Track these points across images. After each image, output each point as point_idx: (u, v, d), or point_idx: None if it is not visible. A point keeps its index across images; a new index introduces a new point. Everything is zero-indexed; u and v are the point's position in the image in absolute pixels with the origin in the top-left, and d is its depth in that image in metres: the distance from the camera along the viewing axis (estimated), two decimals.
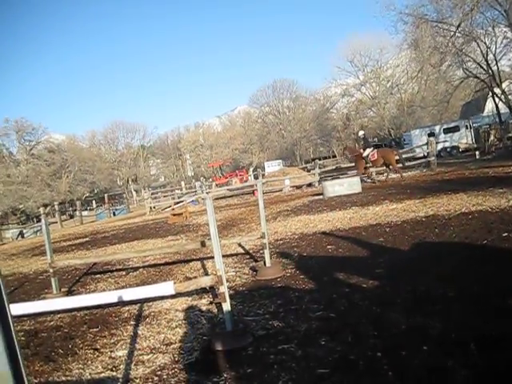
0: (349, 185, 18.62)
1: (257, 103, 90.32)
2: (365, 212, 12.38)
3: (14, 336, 1.58)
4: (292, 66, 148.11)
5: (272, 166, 58.40)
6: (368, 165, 22.19)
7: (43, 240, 16.13)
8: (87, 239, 19.47)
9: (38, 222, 45.61)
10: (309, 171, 34.68)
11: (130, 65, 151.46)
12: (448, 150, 38.86)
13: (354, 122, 78.88)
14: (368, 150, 22.08)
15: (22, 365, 1.60)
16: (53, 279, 8.22)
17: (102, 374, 4.46)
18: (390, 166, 22.30)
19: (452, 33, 34.07)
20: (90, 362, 4.84)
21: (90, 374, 4.53)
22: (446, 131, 39.78)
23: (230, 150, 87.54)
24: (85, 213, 45.84)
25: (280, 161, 66.03)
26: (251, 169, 53.69)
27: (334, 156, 74.54)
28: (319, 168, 29.80)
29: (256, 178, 36.53)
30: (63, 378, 4.53)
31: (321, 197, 19.16)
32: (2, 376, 1.54)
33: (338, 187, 18.62)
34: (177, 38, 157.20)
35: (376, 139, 72.20)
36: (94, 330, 6.00)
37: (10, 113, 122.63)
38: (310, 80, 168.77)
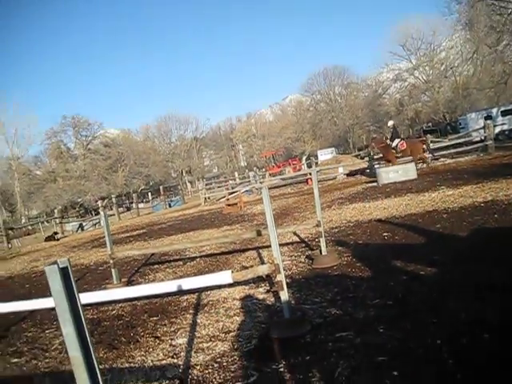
0: (404, 171, 18.36)
1: (308, 91, 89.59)
2: (421, 198, 12.20)
3: (84, 324, 1.67)
4: (342, 52, 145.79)
5: (325, 154, 57.96)
6: (398, 154, 21.84)
7: (102, 232, 16.55)
8: (144, 231, 19.84)
9: (96, 214, 46.66)
10: (362, 158, 34.27)
11: (182, 57, 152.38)
12: (506, 132, 37.60)
13: (407, 107, 77.37)
14: (397, 141, 21.96)
15: (91, 350, 1.68)
16: (113, 270, 8.44)
17: (164, 361, 4.58)
18: (418, 156, 22.07)
19: (510, 10, 32.95)
20: (151, 350, 4.97)
21: (151, 361, 4.66)
22: (504, 113, 38.46)
23: (283, 139, 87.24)
24: (141, 205, 46.58)
25: (333, 149, 65.48)
26: (304, 157, 53.39)
27: None
28: (373, 155, 29.43)
29: (309, 166, 36.37)
30: (126, 365, 4.67)
31: (375, 184, 18.98)
32: (76, 359, 1.62)
33: (392, 174, 18.38)
34: (227, 30, 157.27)
35: (430, 124, 70.75)
36: (155, 318, 6.15)
37: (68, 111, 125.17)
38: (361, 66, 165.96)
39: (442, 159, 23.01)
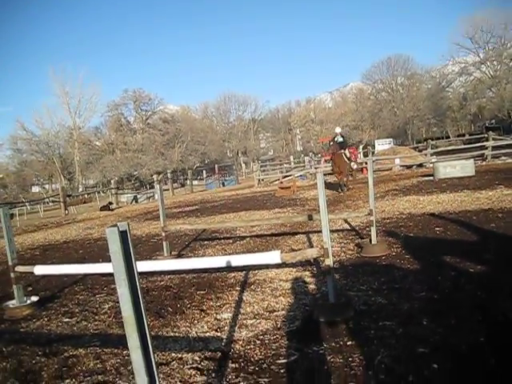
0: (461, 167, 18.03)
1: (370, 79, 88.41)
2: (477, 196, 11.98)
3: (138, 285, 1.75)
4: (407, 40, 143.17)
5: (382, 145, 57.12)
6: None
7: (155, 205, 16.84)
8: (197, 207, 20.13)
9: (150, 188, 47.40)
10: (420, 151, 33.71)
11: (243, 38, 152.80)
12: None
13: (470, 103, 75.50)
14: (347, 151, 19.26)
15: (143, 311, 1.77)
16: (164, 242, 8.62)
17: (207, 334, 4.69)
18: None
19: None
20: (196, 322, 5.09)
21: (196, 332, 4.78)
22: None
23: (341, 126, 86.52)
24: (195, 182, 47.18)
25: (391, 139, 64.41)
26: (361, 146, 52.93)
27: (448, 137, 71.95)
28: (431, 148, 28.93)
29: (365, 155, 36.03)
30: (171, 334, 4.81)
31: (431, 178, 18.71)
32: (129, 318, 1.71)
33: (449, 169, 18.07)
34: (291, 12, 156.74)
35: (493, 121, 68.94)
36: (201, 292, 6.28)
37: (130, 84, 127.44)
38: (425, 56, 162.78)
39: (503, 158, 22.42)
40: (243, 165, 78.49)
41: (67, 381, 3.99)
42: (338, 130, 19.81)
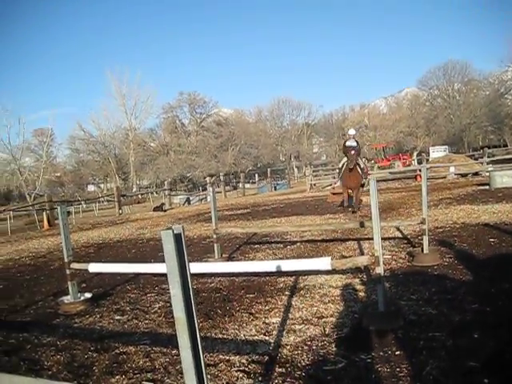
0: None
1: (426, 85, 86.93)
2: None
3: (191, 287, 1.80)
4: (465, 46, 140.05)
5: (437, 152, 56.09)
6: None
7: (207, 207, 16.97)
8: (248, 210, 20.22)
9: (203, 190, 47.91)
10: (476, 159, 33.03)
11: (297, 44, 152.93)
12: None
13: None
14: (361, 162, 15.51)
15: (194, 312, 1.81)
16: (216, 245, 8.69)
17: (256, 337, 4.72)
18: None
19: None
20: (245, 325, 5.13)
21: (244, 335, 4.81)
22: None
23: (395, 132, 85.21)
24: (247, 185, 47.36)
25: (446, 147, 63.11)
26: (415, 153, 52.15)
27: (505, 145, 70.14)
28: (488, 157, 28.30)
29: (420, 162, 35.52)
30: (220, 336, 4.86)
31: (487, 187, 18.28)
32: (180, 320, 1.76)
33: (506, 178, 17.62)
34: (348, 20, 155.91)
35: None
36: (251, 295, 6.32)
37: (185, 87, 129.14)
38: (484, 62, 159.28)
39: None
40: (295, 169, 78.46)
41: (117, 377, 4.08)
42: (351, 131, 15.63)
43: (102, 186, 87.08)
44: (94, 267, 6.47)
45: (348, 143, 14.69)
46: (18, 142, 71.72)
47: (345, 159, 14.80)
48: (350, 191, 15.28)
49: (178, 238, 1.72)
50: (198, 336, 1.84)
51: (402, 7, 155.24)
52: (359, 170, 14.58)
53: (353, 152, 14.21)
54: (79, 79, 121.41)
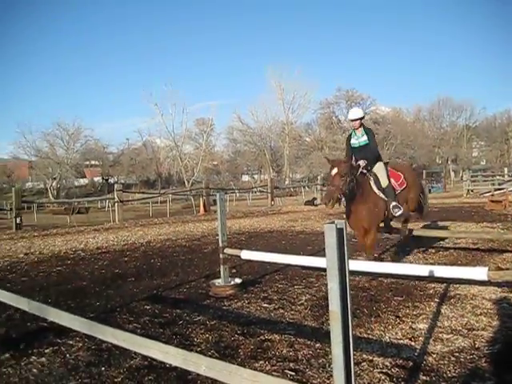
0: None
1: None
2: None
3: (348, 283, 1.81)
4: None
5: None
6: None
7: None
8: None
9: None
10: None
11: (463, 36, 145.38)
12: None
13: None
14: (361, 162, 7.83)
15: (349, 308, 1.82)
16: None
17: (401, 341, 4.64)
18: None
19: None
20: (390, 327, 5.06)
21: (389, 337, 4.75)
22: None
23: None
24: None
25: None
26: None
27: None
28: None
29: None
30: (364, 335, 4.84)
31: None
32: (334, 314, 1.78)
33: None
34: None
35: None
36: (398, 298, 6.20)
37: (342, 82, 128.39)
38: None
39: None
40: (452, 173, 75.40)
41: (261, 362, 4.20)
42: (354, 114, 8.15)
43: (255, 176, 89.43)
44: (246, 254, 6.68)
45: (354, 140, 8.22)
46: (181, 131, 76.19)
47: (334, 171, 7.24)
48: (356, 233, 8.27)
49: (340, 232, 1.73)
50: (350, 332, 1.86)
51: None
52: (373, 187, 7.79)
53: (361, 162, 7.71)
54: (239, 73, 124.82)
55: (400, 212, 7.82)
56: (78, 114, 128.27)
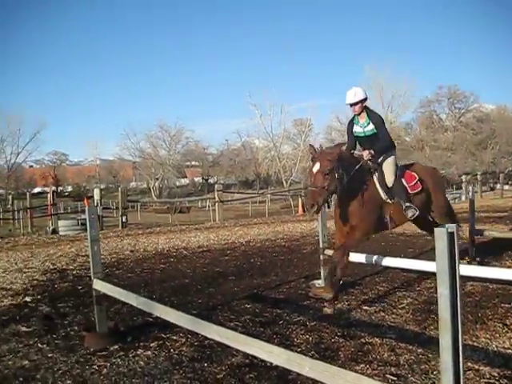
0: None
1: None
2: None
3: (459, 289, 1.76)
4: None
5: None
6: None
7: (460, 207, 16.33)
8: (506, 214, 18.91)
9: (456, 189, 45.95)
10: None
11: None
12: None
13: None
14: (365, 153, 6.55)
15: (459, 314, 1.78)
16: (472, 248, 8.34)
17: (509, 350, 4.46)
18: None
19: None
20: (497, 335, 4.87)
21: (496, 346, 4.58)
22: None
23: None
24: (506, 187, 44.43)
25: None
26: None
27: None
28: None
29: None
30: (469, 342, 4.67)
31: None
32: (444, 321, 1.75)
33: None
34: None
35: None
36: (506, 305, 5.95)
37: (443, 79, 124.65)
38: None
39: None
40: None
41: (361, 365, 4.17)
42: (351, 97, 6.62)
43: None
44: (352, 257, 6.59)
45: (358, 129, 6.90)
46: (279, 131, 76.75)
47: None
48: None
49: (451, 236, 1.70)
50: (459, 339, 1.81)
51: None
52: (380, 191, 6.51)
53: (366, 153, 6.48)
54: (337, 73, 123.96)
55: (415, 213, 6.47)
56: (180, 116, 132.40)
